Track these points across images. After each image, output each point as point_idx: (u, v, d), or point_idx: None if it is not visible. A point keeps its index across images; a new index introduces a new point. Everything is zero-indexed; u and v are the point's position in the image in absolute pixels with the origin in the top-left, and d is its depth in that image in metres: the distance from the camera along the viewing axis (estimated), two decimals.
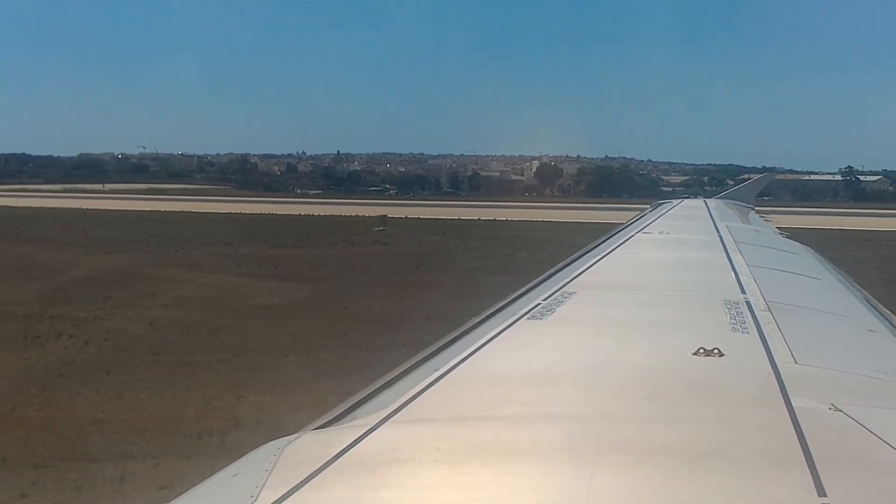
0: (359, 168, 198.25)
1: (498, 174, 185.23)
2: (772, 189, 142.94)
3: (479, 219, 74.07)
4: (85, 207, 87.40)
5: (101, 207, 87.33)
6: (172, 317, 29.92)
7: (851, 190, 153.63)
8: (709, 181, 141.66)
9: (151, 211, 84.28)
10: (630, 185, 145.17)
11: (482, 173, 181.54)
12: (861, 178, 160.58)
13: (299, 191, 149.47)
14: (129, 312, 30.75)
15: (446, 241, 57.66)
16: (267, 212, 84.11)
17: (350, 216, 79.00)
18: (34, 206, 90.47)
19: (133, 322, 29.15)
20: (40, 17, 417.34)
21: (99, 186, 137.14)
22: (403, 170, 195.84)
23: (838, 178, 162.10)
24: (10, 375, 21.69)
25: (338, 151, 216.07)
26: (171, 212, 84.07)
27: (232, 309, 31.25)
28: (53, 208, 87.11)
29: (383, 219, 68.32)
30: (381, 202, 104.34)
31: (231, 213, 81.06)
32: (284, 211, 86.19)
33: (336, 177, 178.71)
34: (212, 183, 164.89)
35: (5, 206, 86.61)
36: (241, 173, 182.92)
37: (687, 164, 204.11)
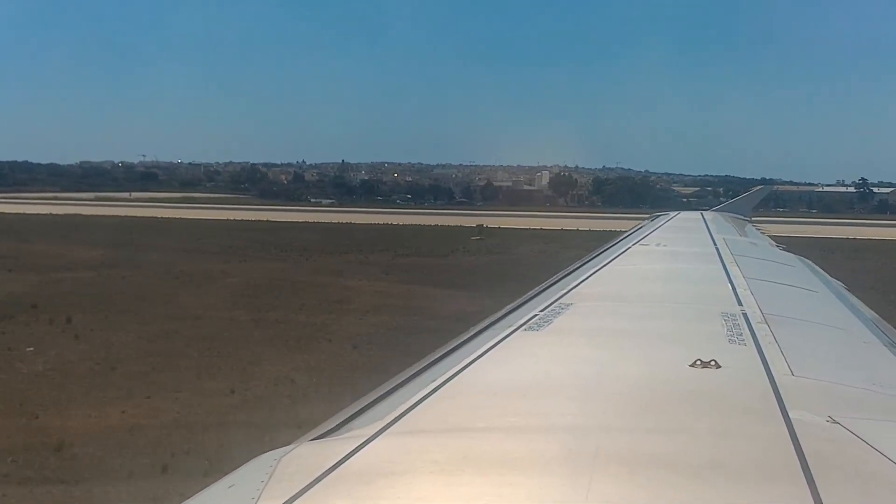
0: (366, 177, 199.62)
1: (510, 184, 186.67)
2: (787, 201, 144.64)
3: (562, 228, 74.03)
4: (140, 216, 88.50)
5: (158, 216, 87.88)
6: (389, 323, 30.91)
7: (866, 202, 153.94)
8: (724, 192, 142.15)
9: (217, 220, 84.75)
10: (651, 195, 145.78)
11: (495, 183, 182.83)
12: (874, 189, 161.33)
13: (312, 200, 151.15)
14: (344, 318, 31.84)
15: (552, 249, 55.75)
16: (326, 220, 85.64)
17: (436, 226, 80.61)
18: (88, 214, 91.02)
19: (367, 327, 30.22)
20: (38, 23, 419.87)
21: (125, 195, 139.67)
22: (410, 179, 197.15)
23: (851, 189, 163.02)
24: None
25: (342, 160, 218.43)
26: (236, 220, 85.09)
27: (440, 315, 31.14)
28: (115, 216, 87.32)
29: (481, 228, 69.43)
30: (418, 211, 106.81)
31: (294, 222, 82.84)
32: (343, 220, 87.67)
33: (348, 186, 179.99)
34: (223, 192, 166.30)
35: (64, 215, 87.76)
36: (251, 182, 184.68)
37: (685, 176, 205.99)
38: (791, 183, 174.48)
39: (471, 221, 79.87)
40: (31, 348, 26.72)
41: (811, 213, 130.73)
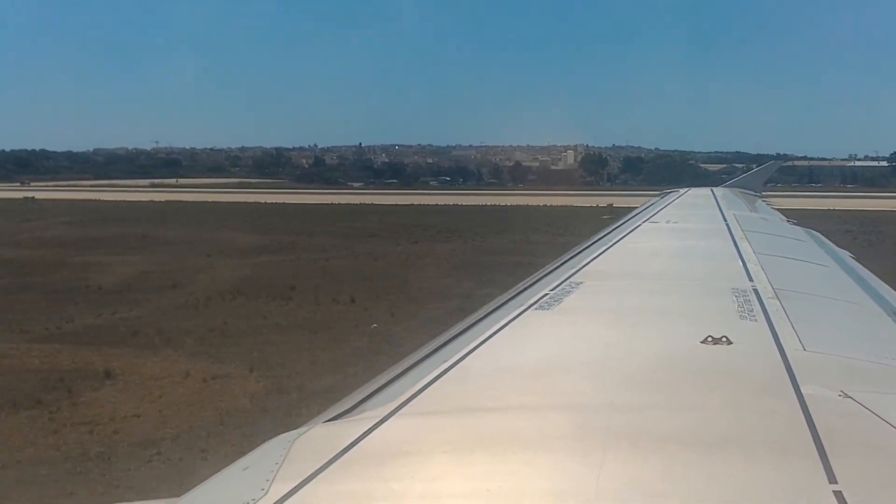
0: (386, 160, 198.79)
1: (537, 164, 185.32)
2: (821, 176, 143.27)
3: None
4: (232, 201, 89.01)
5: (248, 201, 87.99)
6: None
7: None
8: (745, 169, 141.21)
9: (311, 204, 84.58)
10: (690, 173, 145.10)
11: (523, 164, 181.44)
12: None
13: (349, 183, 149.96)
14: None
15: None
16: (408, 203, 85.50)
17: (545, 206, 77.92)
18: (189, 201, 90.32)
19: None
20: (50, 18, 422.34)
21: (172, 181, 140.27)
22: (431, 161, 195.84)
23: (884, 164, 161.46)
24: None
25: (360, 144, 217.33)
26: (330, 204, 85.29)
27: None
28: (209, 202, 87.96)
29: (611, 207, 69.12)
30: (484, 192, 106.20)
31: (382, 205, 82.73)
32: (423, 202, 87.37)
33: (374, 169, 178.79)
34: (257, 176, 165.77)
35: (165, 202, 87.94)
36: (275, 166, 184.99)
37: (696, 153, 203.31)
38: (804, 158, 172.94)
39: (541, 201, 79.28)
40: (375, 325, 25.86)
41: (847, 187, 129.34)
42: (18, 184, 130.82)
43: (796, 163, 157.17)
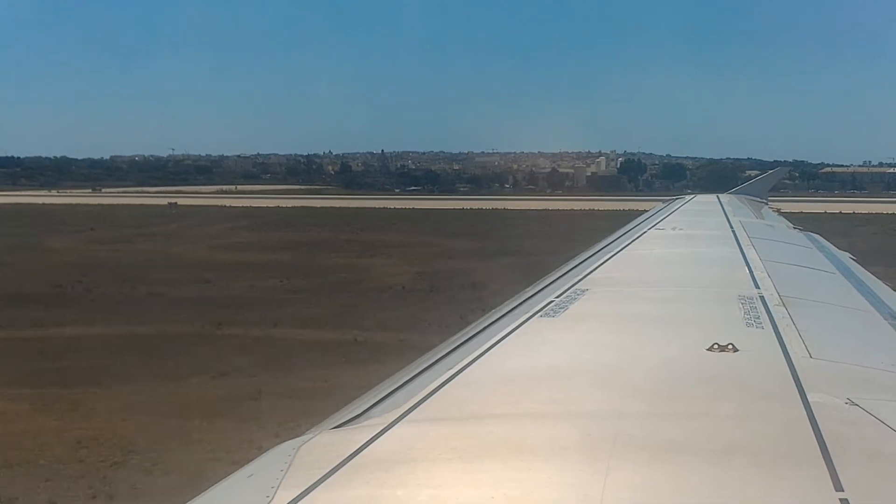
0: (412, 166, 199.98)
1: (572, 170, 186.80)
2: (862, 183, 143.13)
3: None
4: (340, 206, 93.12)
5: (350, 206, 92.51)
6: None
7: None
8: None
9: (397, 209, 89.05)
10: (732, 178, 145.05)
11: (560, 170, 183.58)
12: None
13: (396, 189, 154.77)
14: None
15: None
16: (491, 207, 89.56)
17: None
18: (316, 206, 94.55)
19: None
20: (45, 21, 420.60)
21: (231, 188, 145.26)
22: (458, 167, 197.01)
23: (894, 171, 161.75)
24: None
25: (382, 150, 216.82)
26: (439, 209, 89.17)
27: None
28: (327, 207, 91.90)
29: None
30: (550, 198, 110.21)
31: (477, 209, 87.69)
32: (503, 206, 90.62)
33: (410, 175, 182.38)
34: (285, 182, 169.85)
35: (292, 208, 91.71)
36: (306, 174, 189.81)
37: (704, 159, 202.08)
38: (816, 165, 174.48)
39: (621, 206, 79.04)
40: None
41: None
42: (90, 190, 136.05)
43: (835, 169, 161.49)
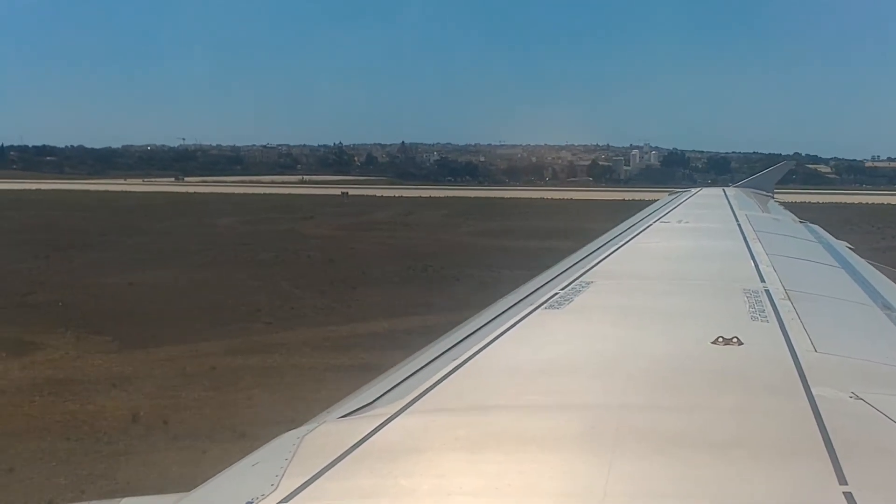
0: (437, 157, 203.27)
1: (610, 163, 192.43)
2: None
3: (819, 202, 76.36)
4: (416, 195, 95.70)
5: (429, 196, 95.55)
6: None
7: None
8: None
9: (474, 198, 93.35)
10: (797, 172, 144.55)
11: (601, 163, 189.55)
12: None
13: (448, 180, 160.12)
14: None
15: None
16: (569, 198, 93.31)
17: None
18: (382, 196, 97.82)
19: None
20: (73, 19, 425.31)
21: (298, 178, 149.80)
22: (484, 159, 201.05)
23: None
24: None
25: (402, 142, 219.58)
26: (478, 198, 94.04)
27: None
28: (393, 197, 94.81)
29: None
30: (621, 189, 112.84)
31: (552, 199, 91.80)
32: (576, 197, 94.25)
33: (450, 167, 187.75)
34: (316, 173, 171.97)
35: (399, 196, 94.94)
36: (338, 164, 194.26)
37: (711, 153, 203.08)
38: (825, 159, 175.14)
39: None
40: None
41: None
42: (173, 178, 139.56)
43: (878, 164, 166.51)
